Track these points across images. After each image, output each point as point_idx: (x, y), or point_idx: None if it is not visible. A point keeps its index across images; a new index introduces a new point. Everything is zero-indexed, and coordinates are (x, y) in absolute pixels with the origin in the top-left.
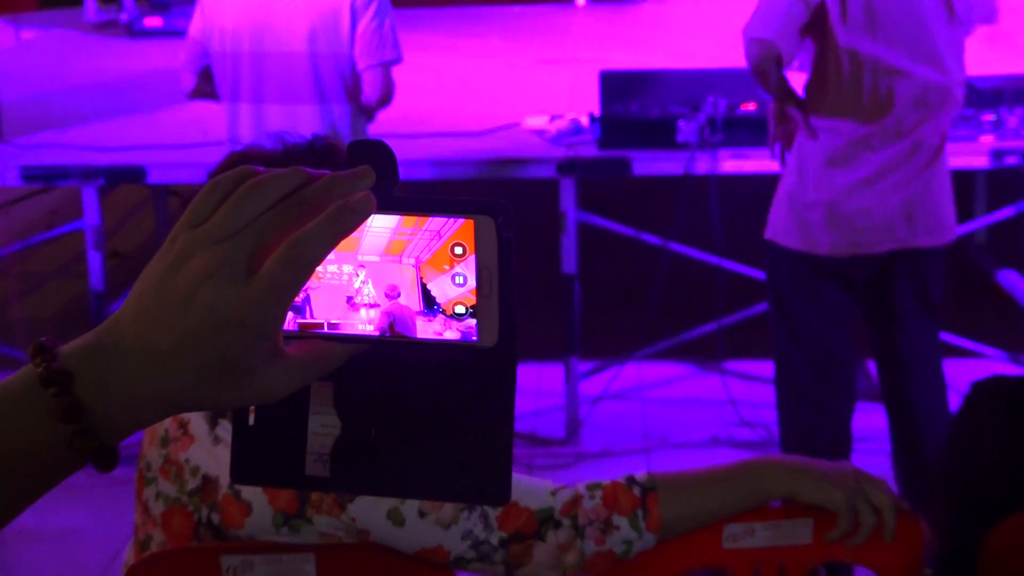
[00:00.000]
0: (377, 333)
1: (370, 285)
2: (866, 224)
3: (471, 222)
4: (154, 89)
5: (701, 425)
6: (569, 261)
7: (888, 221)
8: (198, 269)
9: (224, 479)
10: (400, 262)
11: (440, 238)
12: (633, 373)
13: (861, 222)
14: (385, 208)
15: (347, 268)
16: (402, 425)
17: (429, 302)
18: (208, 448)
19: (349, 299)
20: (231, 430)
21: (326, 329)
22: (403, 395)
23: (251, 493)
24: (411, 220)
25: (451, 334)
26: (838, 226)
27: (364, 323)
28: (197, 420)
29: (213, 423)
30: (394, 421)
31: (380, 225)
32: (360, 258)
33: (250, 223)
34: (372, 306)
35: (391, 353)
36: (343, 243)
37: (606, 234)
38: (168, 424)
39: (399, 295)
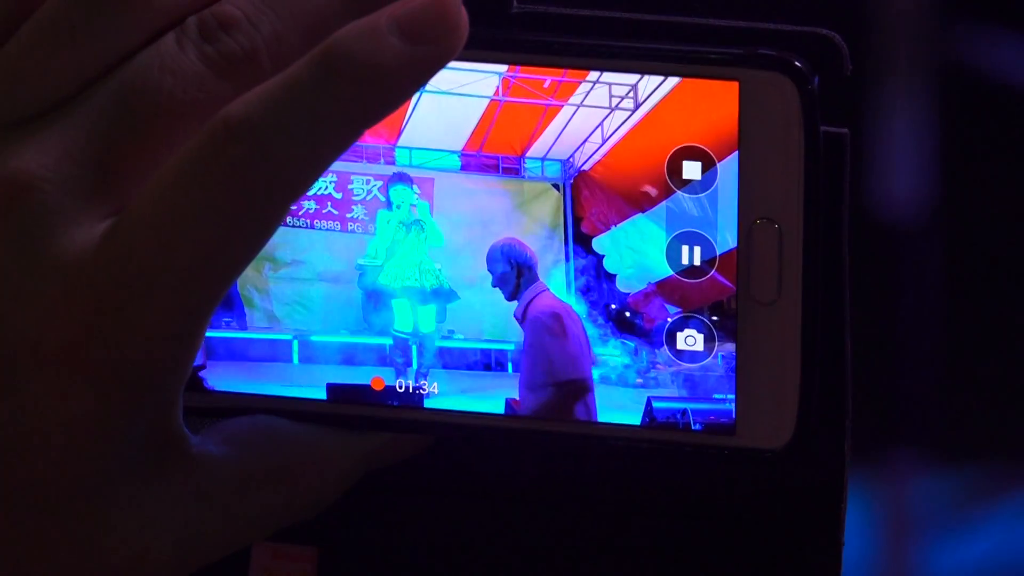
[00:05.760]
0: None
1: (431, 236)
2: None
3: (731, 88)
4: None
5: None
6: None
7: None
8: None
9: None
10: (519, 174)
11: (631, 121)
12: None
13: None
14: (487, 43)
15: (365, 186)
16: None
17: (597, 293)
18: None
19: (372, 281)
20: None
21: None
22: None
23: None
24: (550, 70)
25: (664, 402)
26: None
27: (406, 353)
28: None
29: None
30: None
31: (466, 73)
32: (402, 161)
33: (111, 69)
34: (436, 296)
35: (496, 458)
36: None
37: None
38: None
39: (518, 270)
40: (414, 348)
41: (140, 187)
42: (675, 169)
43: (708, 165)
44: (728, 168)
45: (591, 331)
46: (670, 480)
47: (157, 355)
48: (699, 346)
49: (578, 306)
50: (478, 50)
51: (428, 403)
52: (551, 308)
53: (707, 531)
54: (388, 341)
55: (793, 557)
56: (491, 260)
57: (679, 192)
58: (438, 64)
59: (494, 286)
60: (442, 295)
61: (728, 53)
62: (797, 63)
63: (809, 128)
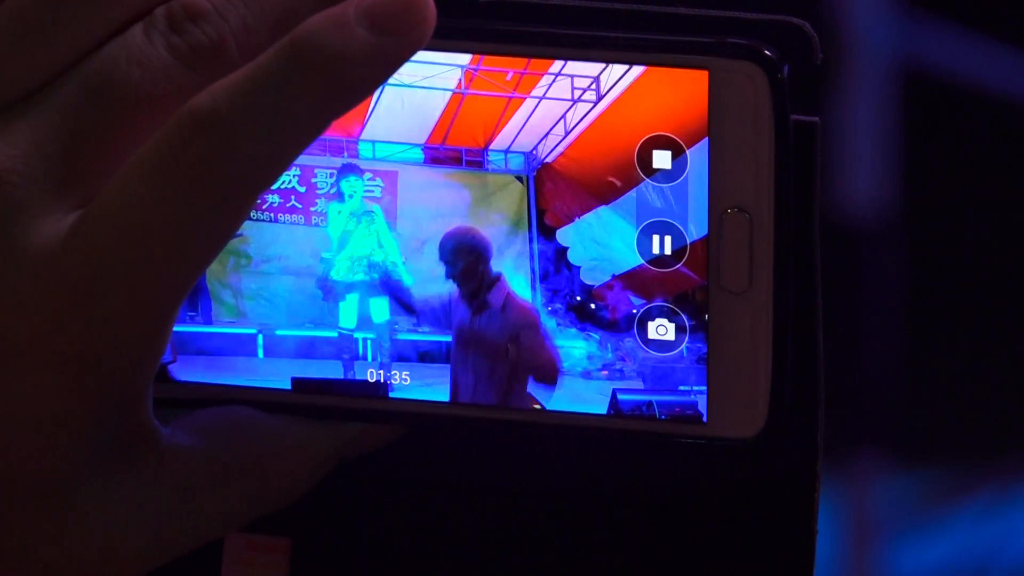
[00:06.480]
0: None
1: (390, 226)
2: None
3: (701, 77)
4: None
5: None
6: None
7: None
8: None
9: None
10: (482, 166)
11: (594, 112)
12: None
13: None
14: (454, 33)
15: (328, 180)
16: None
17: (559, 284)
18: None
19: (324, 275)
20: None
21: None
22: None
23: None
24: (513, 62)
25: (630, 394)
26: None
27: (354, 347)
28: None
29: None
30: None
31: (429, 66)
32: (365, 154)
33: (79, 61)
34: (386, 287)
35: (467, 447)
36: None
37: None
38: None
39: (477, 264)
40: (369, 342)
41: (108, 179)
42: (644, 159)
43: (678, 154)
44: (698, 157)
45: (555, 323)
46: (643, 471)
47: (125, 347)
48: (670, 336)
49: (543, 297)
50: (445, 39)
51: (394, 394)
52: (530, 304)
53: (680, 522)
54: (336, 333)
55: (767, 546)
56: (453, 252)
57: (648, 181)
58: (406, 54)
59: (451, 277)
60: (392, 285)
61: (698, 42)
62: (767, 52)
63: (779, 117)
